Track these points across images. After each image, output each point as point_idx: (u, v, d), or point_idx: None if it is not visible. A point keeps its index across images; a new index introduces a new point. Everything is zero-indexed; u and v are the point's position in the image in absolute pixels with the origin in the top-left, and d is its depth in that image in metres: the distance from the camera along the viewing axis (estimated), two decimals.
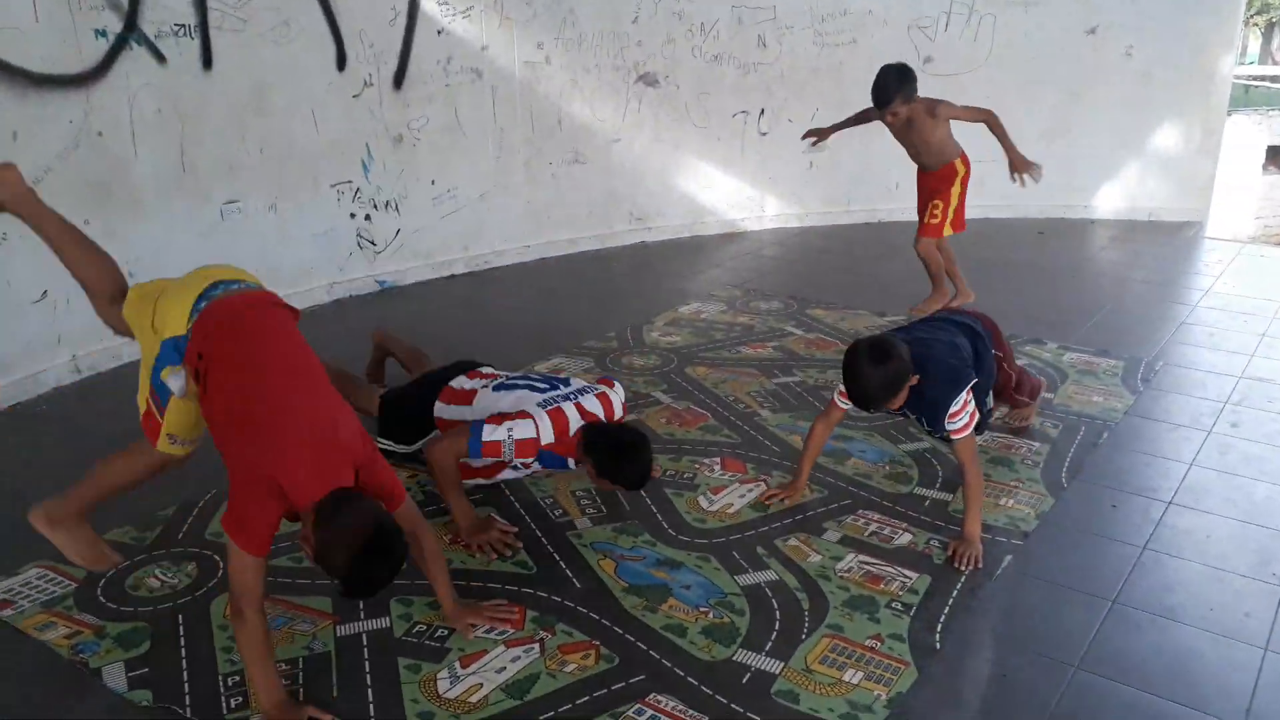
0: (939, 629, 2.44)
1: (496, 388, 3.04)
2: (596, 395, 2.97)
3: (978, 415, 2.86)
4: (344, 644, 2.38)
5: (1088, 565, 2.74)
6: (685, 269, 5.94)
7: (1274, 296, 5.25)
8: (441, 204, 5.45)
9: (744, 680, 2.25)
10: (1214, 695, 2.22)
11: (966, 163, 4.74)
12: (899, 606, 2.53)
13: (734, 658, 2.32)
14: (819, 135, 5.07)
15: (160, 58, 4.21)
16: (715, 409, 3.78)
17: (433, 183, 5.41)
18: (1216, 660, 2.34)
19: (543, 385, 3.00)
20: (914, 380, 2.74)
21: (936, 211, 4.72)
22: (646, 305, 5.11)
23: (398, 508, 2.25)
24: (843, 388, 2.91)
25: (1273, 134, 11.62)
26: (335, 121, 4.93)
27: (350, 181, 5.05)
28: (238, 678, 2.25)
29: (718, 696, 2.20)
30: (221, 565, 2.71)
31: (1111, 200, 7.22)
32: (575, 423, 2.84)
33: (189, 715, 2.15)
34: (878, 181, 6.94)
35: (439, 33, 5.22)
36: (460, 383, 3.13)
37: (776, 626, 2.44)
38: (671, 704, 2.17)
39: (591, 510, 3.01)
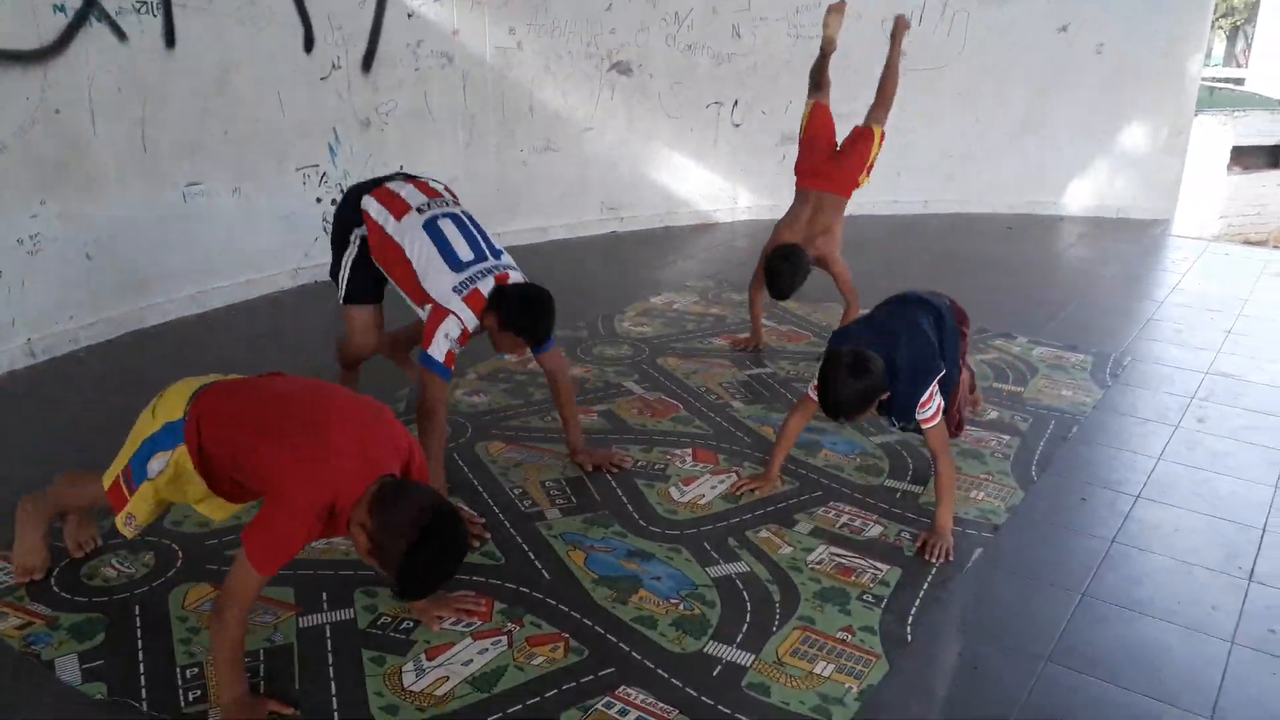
0: (910, 621, 2.43)
1: (425, 225, 3.01)
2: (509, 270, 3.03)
3: (944, 405, 2.85)
4: (306, 636, 2.32)
5: (1057, 558, 2.74)
6: (657, 259, 5.90)
7: (1239, 294, 5.31)
8: None
9: (715, 673, 2.23)
10: (1182, 689, 2.22)
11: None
12: (870, 599, 2.51)
13: (705, 650, 2.30)
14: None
15: (121, 35, 4.10)
16: (687, 400, 3.75)
17: (401, 167, 5.29)
18: (1184, 653, 2.35)
19: (457, 262, 2.96)
20: (886, 393, 2.73)
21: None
22: (618, 295, 5.07)
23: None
24: (816, 383, 2.90)
25: (1237, 135, 11.77)
26: (302, 104, 4.83)
27: (317, 165, 4.96)
28: (196, 670, 2.19)
29: (688, 689, 2.17)
30: (180, 556, 2.64)
31: (1080, 197, 7.28)
32: (487, 289, 2.93)
33: (145, 709, 2.09)
34: None
35: (409, 16, 5.14)
36: (398, 187, 3.12)
37: (747, 619, 2.42)
38: (641, 697, 2.14)
39: (561, 501, 2.97)
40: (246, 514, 2.37)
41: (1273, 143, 12.20)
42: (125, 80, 4.14)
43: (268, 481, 2.06)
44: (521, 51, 5.70)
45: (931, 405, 2.78)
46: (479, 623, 2.38)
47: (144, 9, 4.17)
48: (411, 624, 2.36)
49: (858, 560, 2.69)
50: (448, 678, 2.19)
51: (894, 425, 2.97)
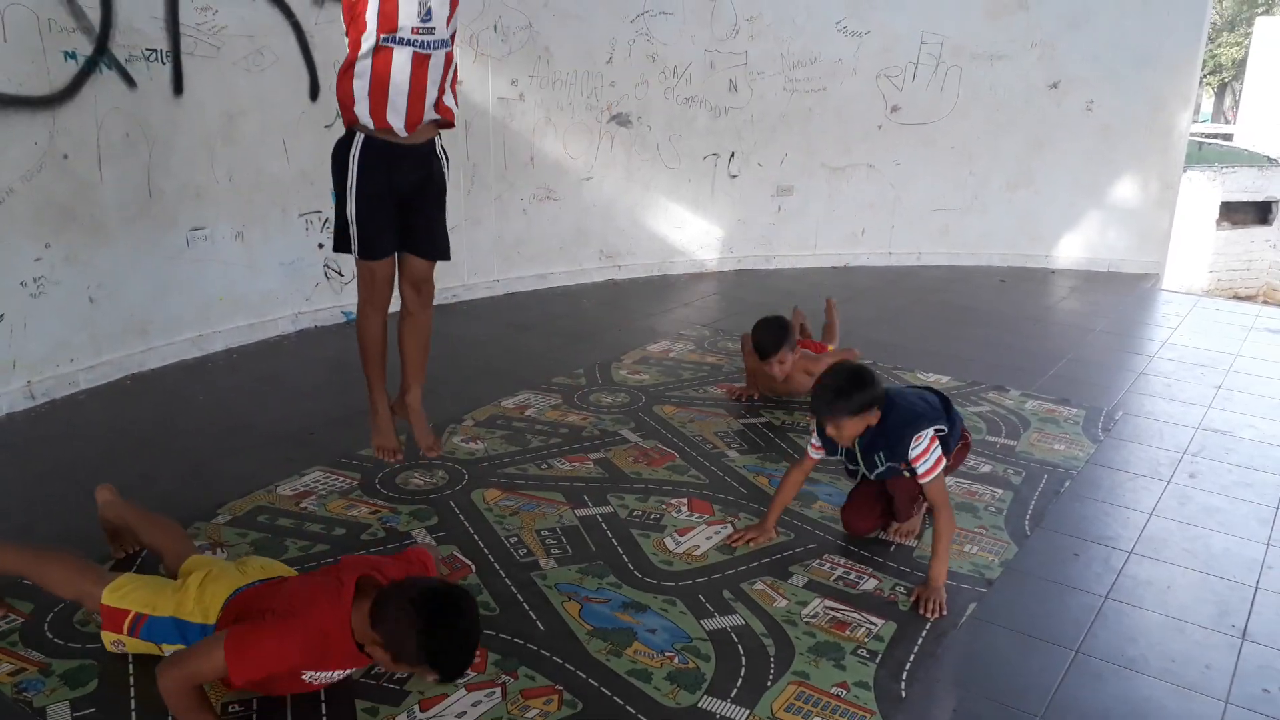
0: (904, 677, 2.43)
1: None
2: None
3: (944, 462, 2.88)
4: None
5: (1051, 614, 2.75)
6: (655, 307, 5.95)
7: (1228, 349, 5.37)
8: None
9: None
10: None
11: None
12: (865, 654, 2.52)
13: (699, 704, 2.29)
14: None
15: (130, 82, 4.17)
16: (683, 448, 3.77)
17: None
18: (1178, 713, 2.35)
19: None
20: (875, 416, 2.82)
21: None
22: (615, 342, 5.11)
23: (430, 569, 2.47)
24: (816, 440, 2.97)
25: (1225, 190, 11.96)
26: (306, 151, 4.90)
27: (320, 211, 5.02)
28: None
29: None
30: None
31: (1072, 250, 7.38)
32: None
33: None
34: (844, 227, 7.05)
35: None
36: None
37: (742, 673, 2.42)
38: None
39: (556, 550, 2.98)
40: None
41: (1261, 198, 12.37)
42: (133, 126, 4.21)
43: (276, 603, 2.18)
44: (523, 102, 5.80)
45: (930, 457, 2.81)
46: (473, 674, 2.37)
47: (153, 57, 4.25)
48: (405, 675, 2.36)
49: (852, 614, 2.69)
50: None
51: (880, 464, 2.96)
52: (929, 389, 3.17)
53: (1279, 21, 22.06)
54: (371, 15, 2.91)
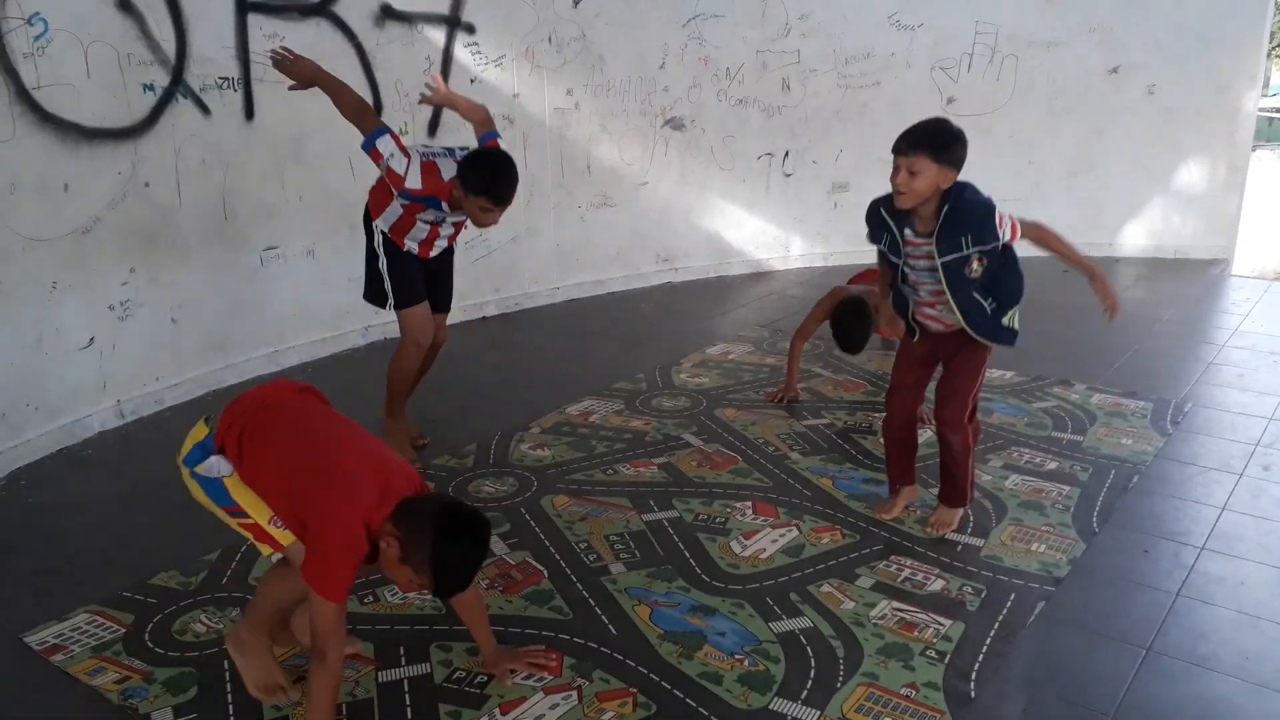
0: (973, 677, 2.46)
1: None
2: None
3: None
4: (386, 690, 2.42)
5: (1121, 611, 2.75)
6: (712, 309, 6.00)
7: None
8: (474, 248, 5.55)
9: None
10: None
11: None
12: (933, 654, 2.55)
13: (770, 706, 2.35)
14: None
15: (205, 110, 4.35)
16: (745, 452, 3.82)
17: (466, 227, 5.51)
18: (1253, 712, 2.34)
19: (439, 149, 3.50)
20: (950, 179, 2.79)
21: None
22: (674, 346, 5.17)
23: None
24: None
25: None
26: (371, 169, 5.01)
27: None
28: None
29: None
30: None
31: (1137, 238, 7.24)
32: (449, 173, 3.32)
33: None
34: None
35: (471, 81, 5.35)
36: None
37: (812, 674, 2.47)
38: None
39: (625, 555, 3.06)
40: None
41: None
42: (208, 152, 4.39)
43: (293, 515, 2.21)
44: (579, 111, 5.89)
45: (1006, 227, 2.85)
46: (550, 677, 2.46)
47: (226, 85, 4.43)
48: (485, 679, 2.45)
49: (920, 615, 2.72)
50: None
51: (966, 248, 2.85)
52: None
53: None
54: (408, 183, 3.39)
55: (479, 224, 3.42)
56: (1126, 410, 4.20)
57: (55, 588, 2.87)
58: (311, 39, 4.67)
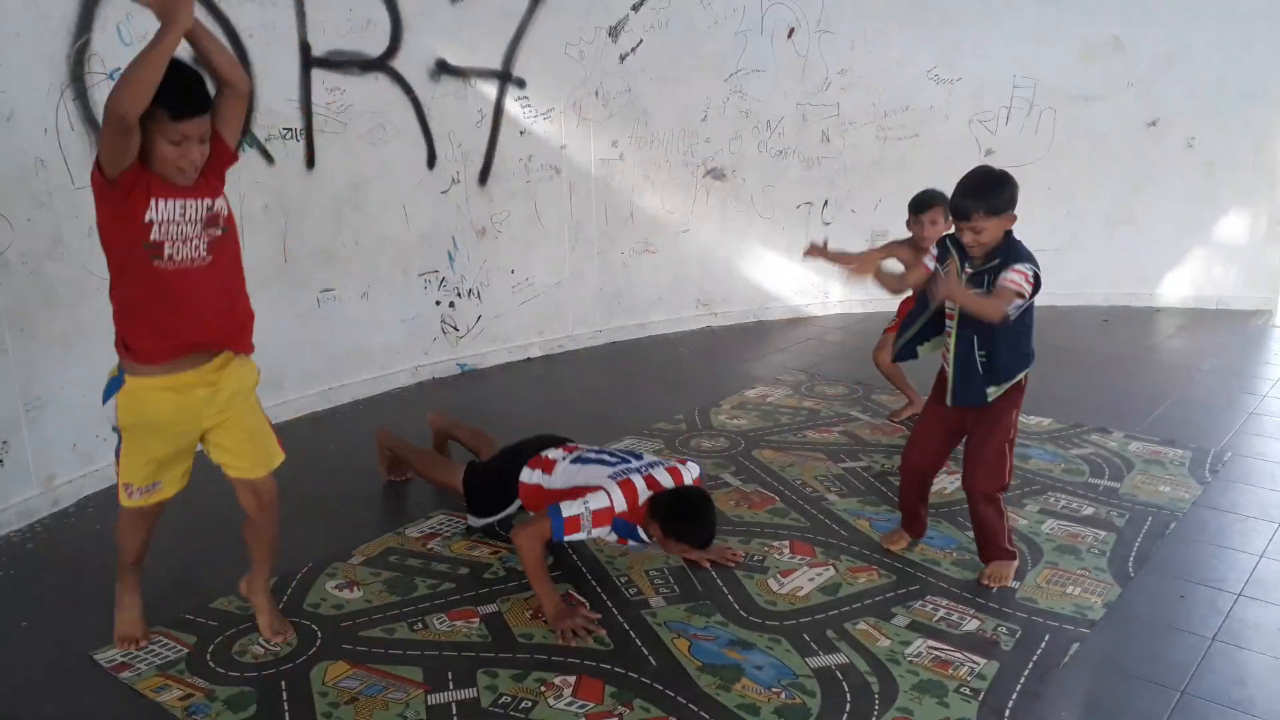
0: (1007, 715, 2.50)
1: (574, 460, 3.24)
2: (668, 469, 3.14)
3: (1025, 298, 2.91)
4: (434, 714, 2.52)
5: (1156, 655, 2.78)
6: (751, 353, 6.10)
7: None
8: (520, 291, 5.73)
9: None
10: None
11: None
12: (968, 691, 2.59)
13: None
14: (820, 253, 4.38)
15: (269, 158, 4.58)
16: (783, 492, 3.89)
17: (512, 272, 5.70)
18: None
19: (614, 460, 3.19)
20: (1012, 219, 2.94)
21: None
22: (714, 388, 5.27)
23: None
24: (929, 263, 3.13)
25: None
26: (425, 215, 5.26)
27: (437, 271, 5.36)
28: None
29: None
30: (319, 636, 2.88)
31: (1177, 288, 7.24)
32: (644, 494, 3.03)
33: None
34: None
35: (521, 133, 5.56)
36: (548, 452, 3.34)
37: (848, 709, 2.53)
38: None
39: (665, 590, 3.14)
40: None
41: None
42: (271, 198, 4.61)
43: None
44: (623, 162, 6.07)
45: (1019, 279, 2.88)
46: (591, 704, 2.54)
47: (289, 135, 4.66)
48: (531, 703, 2.54)
49: (955, 654, 2.77)
50: None
51: (967, 268, 3.00)
52: None
53: None
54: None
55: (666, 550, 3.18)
56: (1165, 458, 4.22)
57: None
58: (371, 91, 4.91)
